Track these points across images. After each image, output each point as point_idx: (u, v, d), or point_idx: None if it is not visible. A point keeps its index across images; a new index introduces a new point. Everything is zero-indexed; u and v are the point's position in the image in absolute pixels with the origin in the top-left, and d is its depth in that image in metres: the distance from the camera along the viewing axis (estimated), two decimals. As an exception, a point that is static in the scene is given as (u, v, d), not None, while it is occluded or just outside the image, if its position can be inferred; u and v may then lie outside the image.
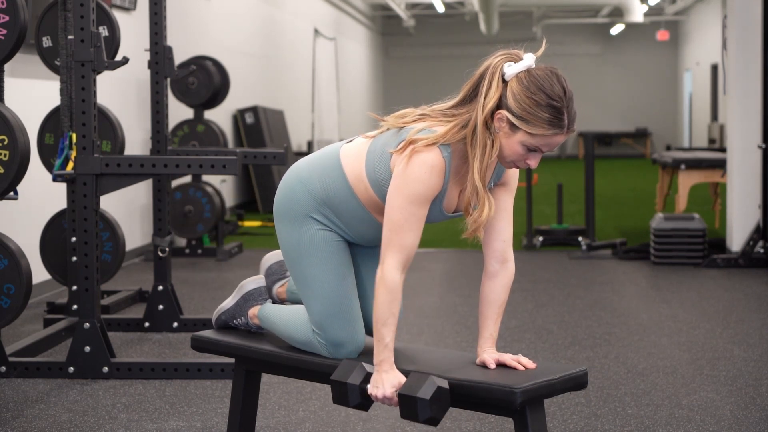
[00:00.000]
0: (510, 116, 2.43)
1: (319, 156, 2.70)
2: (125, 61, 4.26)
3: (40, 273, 5.28)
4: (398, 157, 2.49)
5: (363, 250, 2.76)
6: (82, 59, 4.13)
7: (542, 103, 2.40)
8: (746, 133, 7.11)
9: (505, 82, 2.45)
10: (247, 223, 9.38)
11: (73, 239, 4.81)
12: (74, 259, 4.80)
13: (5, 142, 3.90)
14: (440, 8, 20.14)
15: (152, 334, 4.98)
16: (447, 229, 8.85)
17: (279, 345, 2.81)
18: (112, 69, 4.23)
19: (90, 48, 4.12)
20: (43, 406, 3.75)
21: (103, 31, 4.83)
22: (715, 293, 6.01)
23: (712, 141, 18.83)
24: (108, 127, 4.97)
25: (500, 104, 2.44)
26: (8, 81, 4.93)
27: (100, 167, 4.10)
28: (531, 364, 2.53)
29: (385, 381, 2.47)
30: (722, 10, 11.58)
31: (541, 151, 2.46)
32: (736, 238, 7.17)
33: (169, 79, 5.74)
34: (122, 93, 7.29)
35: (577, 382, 2.52)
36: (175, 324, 4.99)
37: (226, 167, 4.04)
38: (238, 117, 10.76)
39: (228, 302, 2.98)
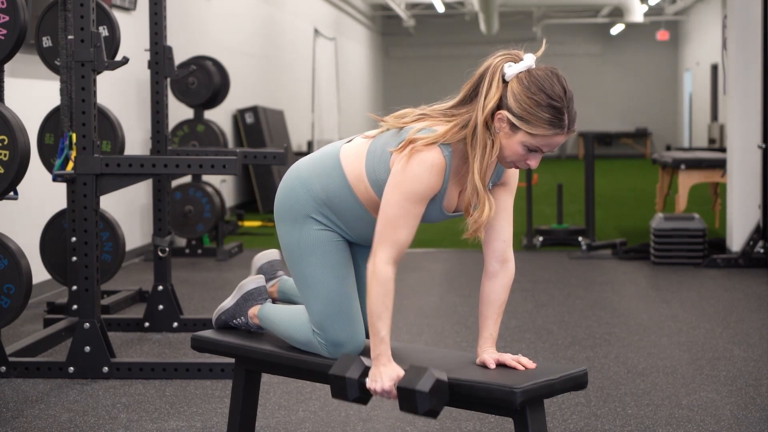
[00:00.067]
0: (510, 116, 2.43)
1: (319, 156, 2.70)
2: (125, 61, 4.26)
3: (40, 273, 5.28)
4: (398, 156, 2.49)
5: (363, 249, 2.76)
6: (82, 59, 4.13)
7: (543, 104, 2.40)
8: (746, 133, 7.11)
9: (505, 82, 2.45)
10: (247, 223, 9.38)
11: (73, 239, 4.81)
12: (74, 259, 4.80)
13: (5, 142, 3.90)
14: (440, 8, 20.13)
15: (152, 334, 4.98)
16: (447, 229, 8.85)
17: (279, 345, 2.81)
18: (112, 69, 4.23)
19: (90, 48, 4.12)
20: (43, 406, 3.75)
21: (103, 31, 4.83)
22: (715, 293, 6.01)
23: (712, 141, 18.83)
24: (108, 127, 4.97)
25: (500, 104, 2.45)
26: (8, 81, 4.93)
27: (100, 167, 4.10)
28: (531, 364, 2.53)
29: (384, 374, 2.47)
30: (722, 10, 11.58)
31: (542, 152, 2.46)
32: (736, 238, 7.17)
33: (169, 79, 5.74)
34: (122, 93, 7.29)
35: (577, 382, 2.52)
36: (175, 324, 4.99)
37: (226, 167, 4.05)
38: (238, 117, 10.76)
39: (228, 302, 2.98)
